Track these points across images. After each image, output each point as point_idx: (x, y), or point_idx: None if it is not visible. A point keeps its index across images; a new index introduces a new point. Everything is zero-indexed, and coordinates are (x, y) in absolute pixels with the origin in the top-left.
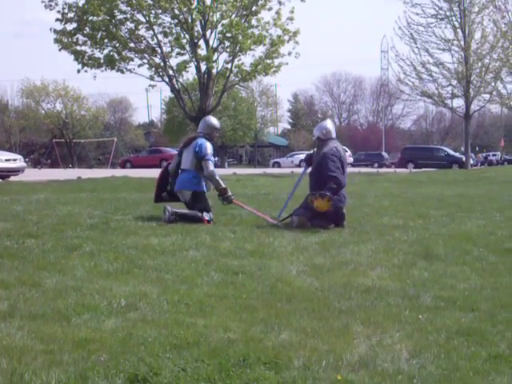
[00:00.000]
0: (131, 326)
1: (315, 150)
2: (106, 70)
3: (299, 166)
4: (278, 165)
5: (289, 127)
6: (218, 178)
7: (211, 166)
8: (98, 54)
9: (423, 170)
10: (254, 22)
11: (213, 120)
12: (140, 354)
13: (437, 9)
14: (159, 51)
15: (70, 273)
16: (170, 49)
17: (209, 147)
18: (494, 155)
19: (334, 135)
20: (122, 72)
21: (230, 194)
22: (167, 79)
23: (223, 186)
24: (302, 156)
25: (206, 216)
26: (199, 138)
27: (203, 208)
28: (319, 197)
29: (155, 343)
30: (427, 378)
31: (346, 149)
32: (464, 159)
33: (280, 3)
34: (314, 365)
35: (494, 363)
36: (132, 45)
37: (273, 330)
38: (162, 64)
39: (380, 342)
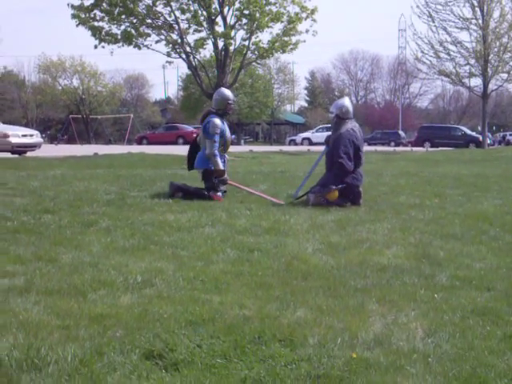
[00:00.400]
0: (147, 302)
1: (332, 127)
2: (123, 45)
3: (301, 144)
4: (295, 142)
5: (306, 105)
6: (217, 159)
7: (210, 147)
8: (115, 29)
9: (440, 149)
10: None
11: (225, 92)
12: (156, 330)
13: None
14: (176, 28)
15: (87, 248)
16: (187, 25)
17: (215, 125)
18: (511, 135)
19: (351, 114)
20: (139, 48)
21: (226, 176)
22: (184, 56)
23: (221, 167)
24: (305, 134)
25: (216, 193)
26: (210, 116)
27: (212, 186)
28: (327, 192)
29: (171, 319)
30: (442, 357)
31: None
32: (481, 139)
33: None
34: (329, 343)
35: (509, 343)
36: (149, 21)
37: (288, 307)
38: (179, 40)
39: (395, 321)
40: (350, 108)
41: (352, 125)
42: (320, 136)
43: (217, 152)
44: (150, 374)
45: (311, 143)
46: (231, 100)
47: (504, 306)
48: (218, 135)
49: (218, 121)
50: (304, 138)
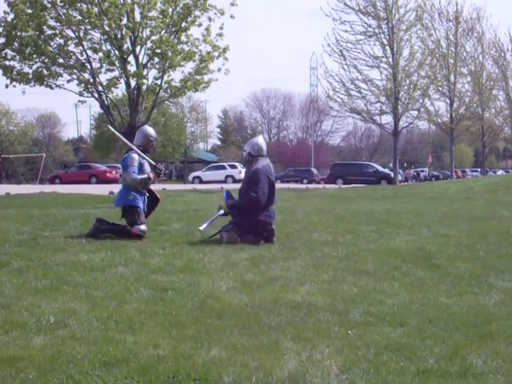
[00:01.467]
0: (60, 343)
1: (245, 165)
2: (34, 85)
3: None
4: (200, 179)
5: (219, 143)
6: (138, 177)
7: (130, 177)
8: (26, 69)
9: (352, 185)
10: (183, 38)
11: (148, 129)
12: (69, 372)
13: (366, 26)
14: (89, 67)
15: None
16: (99, 64)
17: (133, 158)
18: (422, 171)
19: (265, 152)
20: (51, 88)
21: (152, 177)
22: (97, 95)
23: (146, 176)
24: (196, 173)
25: (135, 229)
26: (128, 152)
27: (133, 222)
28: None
29: (84, 360)
30: None
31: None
32: (392, 175)
33: (210, 19)
34: (244, 381)
35: (422, 378)
36: (61, 60)
37: (203, 346)
38: (91, 80)
39: (310, 358)
40: (264, 146)
41: (267, 162)
42: (210, 174)
43: (135, 176)
44: None
45: (201, 181)
46: (153, 137)
47: (417, 341)
48: (136, 167)
49: (135, 155)
50: (195, 177)
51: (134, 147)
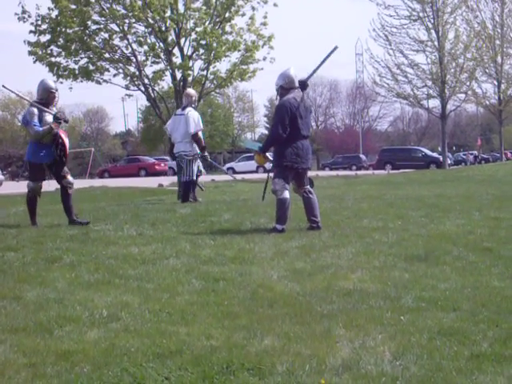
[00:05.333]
0: (114, 336)
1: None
2: (81, 81)
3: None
4: (233, 170)
5: (266, 132)
6: (40, 129)
7: (32, 130)
8: (72, 65)
9: (401, 171)
10: (227, 28)
11: (47, 82)
12: (123, 365)
13: (410, 10)
14: (134, 60)
15: (51, 285)
16: (144, 58)
17: (31, 114)
18: (471, 154)
19: (296, 84)
20: (99, 83)
21: (56, 125)
22: (143, 88)
23: (48, 127)
24: (229, 164)
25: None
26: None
27: (28, 177)
28: (255, 153)
29: (138, 353)
30: (410, 379)
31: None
32: (441, 159)
33: (253, 9)
34: (298, 370)
35: (476, 362)
36: (107, 55)
37: (255, 336)
38: (137, 73)
39: (363, 345)
40: (295, 77)
41: (294, 94)
42: (243, 165)
43: (37, 129)
44: None
45: (234, 172)
46: (53, 89)
47: (470, 325)
48: (37, 120)
49: (34, 109)
50: (228, 168)
51: (31, 101)
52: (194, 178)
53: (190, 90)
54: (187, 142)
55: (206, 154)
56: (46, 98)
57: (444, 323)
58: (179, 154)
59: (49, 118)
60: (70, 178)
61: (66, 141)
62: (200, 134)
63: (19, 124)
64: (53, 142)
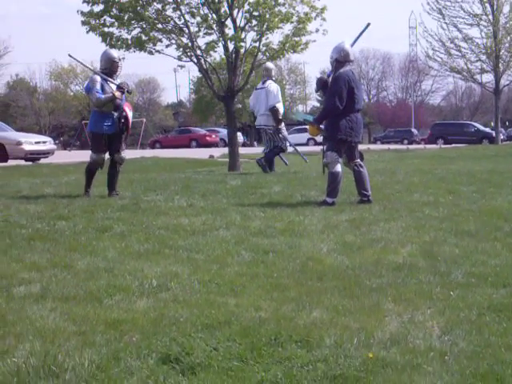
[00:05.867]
0: (163, 306)
1: (333, 72)
2: (134, 51)
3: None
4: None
5: (318, 105)
6: (102, 97)
7: (94, 97)
8: (125, 35)
9: (453, 145)
10: None
11: (110, 52)
12: (172, 334)
13: None
14: (187, 31)
15: (102, 254)
16: (197, 29)
17: (94, 81)
18: None
19: (351, 57)
20: (151, 53)
21: (119, 94)
22: (195, 59)
23: (111, 95)
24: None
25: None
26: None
27: (91, 149)
28: (309, 124)
29: (187, 323)
30: (459, 355)
31: None
32: (494, 134)
33: None
34: (346, 343)
35: None
36: (159, 25)
37: (304, 308)
38: (189, 44)
39: (411, 319)
40: (350, 51)
41: (351, 67)
42: (292, 138)
43: (100, 96)
44: (167, 378)
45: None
46: (116, 58)
47: None
48: (99, 88)
49: (97, 77)
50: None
51: (95, 70)
52: (278, 148)
53: (269, 64)
54: (269, 115)
55: (281, 126)
56: (110, 67)
57: (494, 299)
58: (260, 126)
59: (112, 87)
60: (123, 154)
61: (130, 114)
62: (279, 105)
63: (71, 93)
64: (116, 113)
